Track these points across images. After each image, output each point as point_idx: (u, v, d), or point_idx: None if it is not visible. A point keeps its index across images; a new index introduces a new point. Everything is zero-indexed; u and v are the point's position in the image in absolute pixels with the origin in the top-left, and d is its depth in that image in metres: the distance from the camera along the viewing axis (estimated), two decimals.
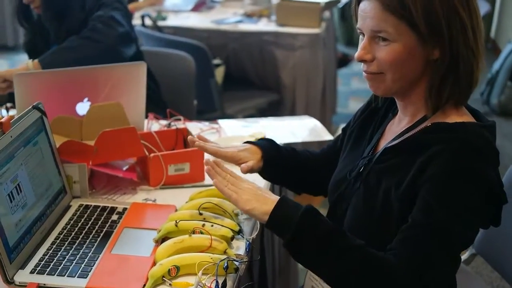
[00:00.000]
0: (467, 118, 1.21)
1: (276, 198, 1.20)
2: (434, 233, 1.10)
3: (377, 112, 1.38)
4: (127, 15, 2.35)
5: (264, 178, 1.54)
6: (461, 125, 1.17)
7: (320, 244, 1.13)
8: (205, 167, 1.30)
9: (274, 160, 1.47)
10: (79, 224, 1.43)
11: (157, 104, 2.33)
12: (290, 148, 1.54)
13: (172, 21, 3.63)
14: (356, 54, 1.20)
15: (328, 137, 2.07)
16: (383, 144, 1.30)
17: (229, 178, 1.27)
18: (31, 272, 1.24)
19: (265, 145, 1.49)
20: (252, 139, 1.87)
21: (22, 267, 1.26)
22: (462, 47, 1.15)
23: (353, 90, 5.03)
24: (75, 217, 1.45)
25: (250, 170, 1.42)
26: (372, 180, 1.24)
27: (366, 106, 1.42)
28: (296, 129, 2.10)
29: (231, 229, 1.35)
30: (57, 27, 2.26)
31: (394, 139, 1.26)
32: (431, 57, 1.17)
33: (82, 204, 1.51)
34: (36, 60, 2.06)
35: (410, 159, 1.16)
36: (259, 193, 1.22)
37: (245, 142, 1.50)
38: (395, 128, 1.29)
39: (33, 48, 2.39)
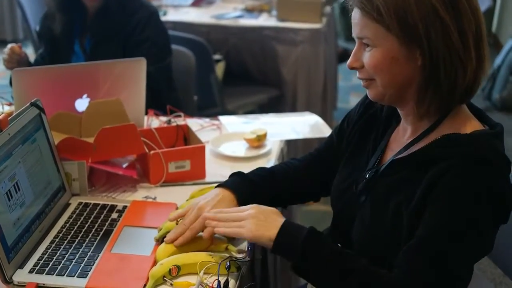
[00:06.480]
0: (476, 125, 1.18)
1: (279, 222, 1.20)
2: (436, 255, 1.09)
3: (378, 118, 1.34)
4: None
5: None
6: (471, 138, 1.14)
7: (324, 269, 1.16)
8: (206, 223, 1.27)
9: (251, 196, 1.39)
10: (79, 222, 1.41)
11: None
12: (265, 173, 1.46)
13: (172, 16, 3.61)
14: (347, 62, 1.22)
15: (329, 133, 2.05)
16: (389, 154, 1.27)
17: (229, 217, 1.25)
18: (30, 272, 1.23)
19: (237, 185, 1.39)
20: (254, 136, 1.87)
21: (21, 266, 1.24)
22: (444, 50, 1.09)
23: (354, 85, 5.00)
24: (74, 215, 1.44)
25: None
26: (380, 194, 1.22)
27: (363, 110, 1.37)
28: (297, 126, 2.08)
29: None
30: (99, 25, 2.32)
31: (400, 151, 1.23)
32: (417, 62, 1.13)
33: (82, 202, 1.49)
34: None
35: (419, 174, 1.13)
36: (261, 218, 1.22)
37: (216, 186, 1.40)
38: (401, 139, 1.26)
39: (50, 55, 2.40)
